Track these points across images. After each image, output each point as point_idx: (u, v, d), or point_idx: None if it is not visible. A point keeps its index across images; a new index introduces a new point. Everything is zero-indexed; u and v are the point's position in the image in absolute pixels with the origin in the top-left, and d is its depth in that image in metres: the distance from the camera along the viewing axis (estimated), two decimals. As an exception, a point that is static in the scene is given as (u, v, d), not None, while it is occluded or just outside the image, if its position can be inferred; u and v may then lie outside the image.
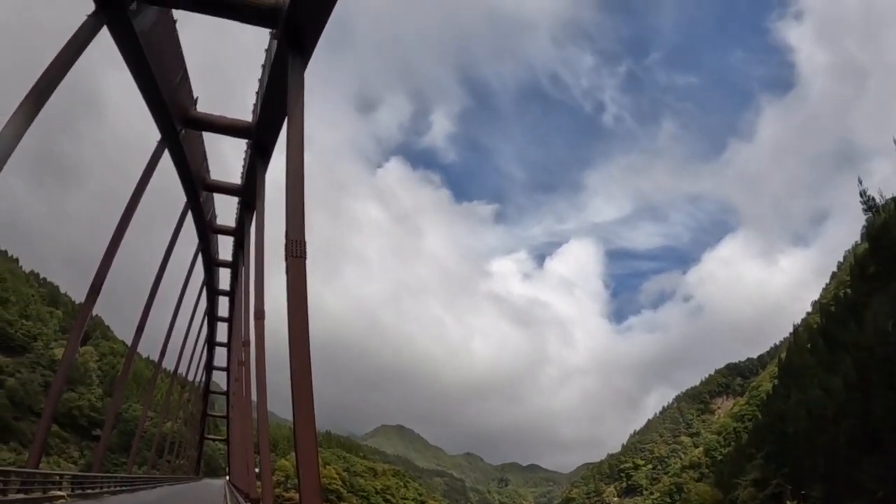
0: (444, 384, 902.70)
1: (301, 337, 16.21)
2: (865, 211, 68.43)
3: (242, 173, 42.26)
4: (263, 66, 29.34)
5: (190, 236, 52.17)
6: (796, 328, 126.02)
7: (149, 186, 34.38)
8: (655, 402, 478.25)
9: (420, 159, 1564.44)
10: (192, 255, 56.49)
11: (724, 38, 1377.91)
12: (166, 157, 35.57)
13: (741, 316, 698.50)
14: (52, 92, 20.08)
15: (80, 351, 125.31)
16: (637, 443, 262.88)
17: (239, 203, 47.07)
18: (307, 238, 17.51)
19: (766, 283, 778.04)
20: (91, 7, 21.82)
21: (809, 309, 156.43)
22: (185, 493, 53.14)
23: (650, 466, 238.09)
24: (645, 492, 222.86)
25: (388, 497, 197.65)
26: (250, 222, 41.68)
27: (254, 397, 34.98)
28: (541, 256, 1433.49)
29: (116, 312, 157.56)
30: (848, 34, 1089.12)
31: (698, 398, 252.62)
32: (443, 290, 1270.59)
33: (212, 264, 64.11)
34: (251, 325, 32.54)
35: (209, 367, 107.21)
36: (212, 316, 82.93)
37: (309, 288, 16.90)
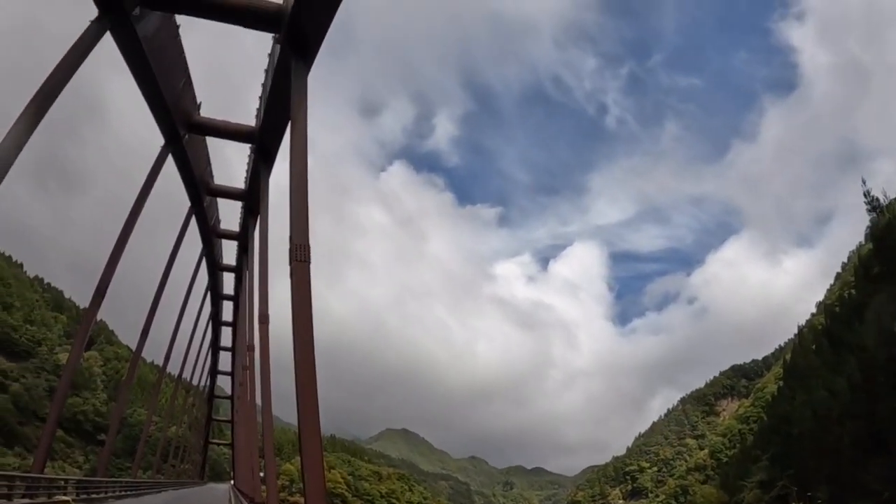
0: (448, 388, 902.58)
1: (306, 341, 16.19)
2: (869, 211, 68.52)
3: (246, 178, 42.32)
4: (266, 71, 29.37)
5: (194, 241, 52.28)
6: (801, 329, 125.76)
7: (153, 191, 34.42)
8: (660, 404, 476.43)
9: (423, 163, 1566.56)
10: (196, 259, 56.54)
11: (727, 39, 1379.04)
12: (170, 161, 35.62)
13: (745, 317, 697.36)
14: (55, 97, 20.09)
15: (85, 356, 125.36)
16: (642, 445, 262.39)
17: (242, 208, 47.11)
18: (311, 242, 17.53)
19: (771, 285, 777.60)
20: (94, 12, 21.88)
21: (814, 310, 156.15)
22: (189, 498, 53.07)
23: (655, 469, 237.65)
24: (650, 494, 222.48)
25: (393, 501, 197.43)
26: (254, 227, 41.75)
27: (258, 401, 35.00)
28: (544, 259, 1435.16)
29: (121, 317, 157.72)
30: (850, 34, 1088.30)
31: (703, 400, 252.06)
32: (447, 294, 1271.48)
33: (216, 269, 64.16)
34: (255, 330, 32.55)
35: (213, 371, 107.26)
36: (216, 320, 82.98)
37: (313, 292, 16.91)
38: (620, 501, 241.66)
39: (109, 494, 40.89)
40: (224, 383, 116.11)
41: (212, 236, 53.86)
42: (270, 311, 30.49)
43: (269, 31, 24.11)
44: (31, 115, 19.18)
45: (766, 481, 70.65)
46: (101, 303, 31.14)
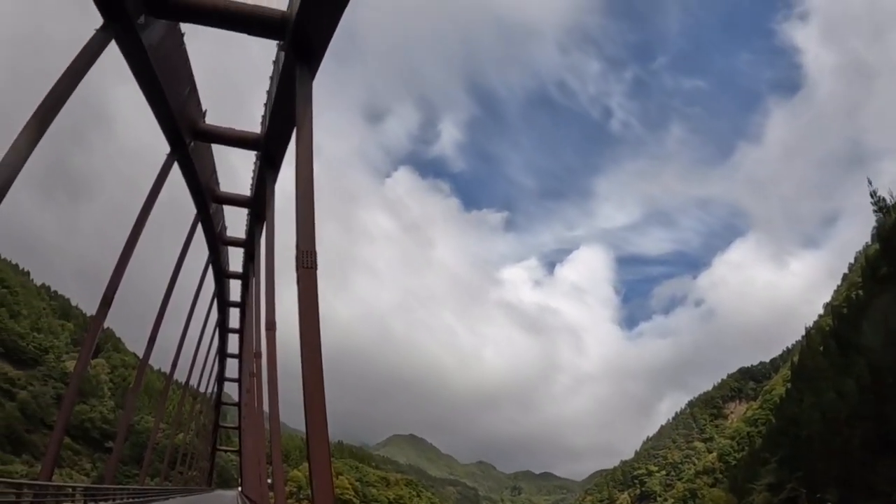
0: (455, 393, 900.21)
1: (313, 347, 16.21)
2: (876, 212, 68.21)
3: (252, 185, 42.42)
4: (271, 78, 29.41)
5: (200, 248, 52.37)
6: (808, 331, 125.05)
7: (159, 199, 34.50)
8: (668, 407, 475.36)
9: (429, 168, 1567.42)
10: (202, 267, 56.64)
11: (730, 40, 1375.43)
12: (176, 169, 35.70)
13: (753, 320, 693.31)
14: (62, 105, 20.18)
15: (92, 363, 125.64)
16: (650, 449, 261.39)
17: (249, 214, 47.24)
18: (317, 248, 17.54)
19: (778, 286, 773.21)
20: (100, 21, 21.99)
21: (821, 311, 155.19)
22: (197, 505, 53.09)
23: (664, 472, 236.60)
24: (659, 498, 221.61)
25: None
26: (260, 233, 41.81)
27: (265, 408, 35.02)
28: (551, 264, 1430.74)
29: (128, 325, 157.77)
30: (854, 34, 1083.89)
31: (711, 403, 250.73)
32: (453, 299, 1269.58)
33: (222, 276, 64.26)
34: (262, 336, 32.62)
35: (221, 378, 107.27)
36: (223, 327, 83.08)
37: (320, 298, 16.92)
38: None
39: (117, 501, 40.92)
40: (231, 390, 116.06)
41: (218, 243, 53.98)
42: (277, 318, 30.53)
43: (274, 39, 24.16)
44: (38, 123, 19.27)
45: (775, 484, 70.26)
46: (107, 311, 31.16)
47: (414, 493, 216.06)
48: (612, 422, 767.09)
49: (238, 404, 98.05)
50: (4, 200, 18.19)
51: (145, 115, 30.40)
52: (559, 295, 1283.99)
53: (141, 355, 50.56)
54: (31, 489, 25.69)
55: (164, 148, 33.93)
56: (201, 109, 34.48)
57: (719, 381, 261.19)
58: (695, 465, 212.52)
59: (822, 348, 78.46)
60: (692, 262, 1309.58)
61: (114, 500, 40.45)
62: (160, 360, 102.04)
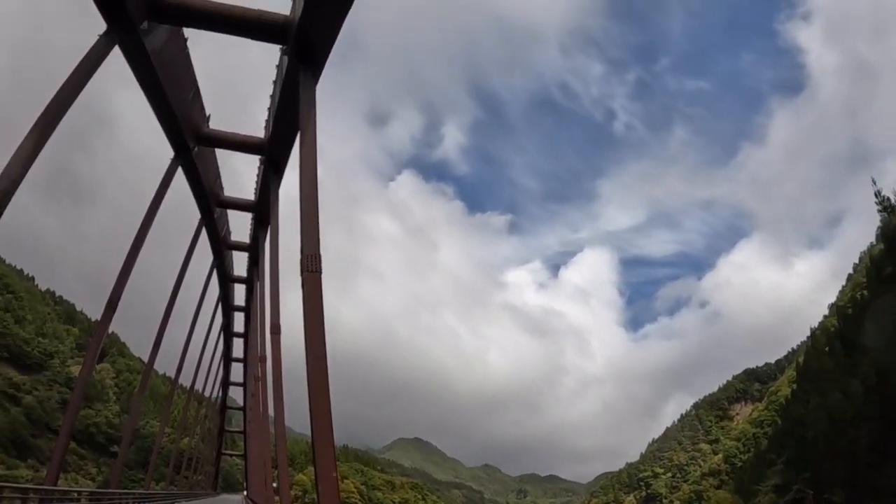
0: (460, 396, 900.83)
1: (318, 351, 16.18)
2: (880, 211, 68.09)
3: (256, 189, 42.44)
4: (275, 82, 29.42)
5: (205, 253, 52.39)
6: (813, 332, 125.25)
7: (163, 204, 34.52)
8: (673, 409, 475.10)
9: (432, 172, 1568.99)
10: (206, 271, 56.67)
11: (733, 41, 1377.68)
12: (180, 174, 35.74)
13: (758, 321, 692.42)
14: (65, 111, 20.18)
15: (97, 368, 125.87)
16: (656, 451, 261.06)
17: (253, 219, 47.24)
18: (322, 252, 17.53)
19: (783, 287, 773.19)
20: (103, 26, 22.03)
21: (826, 312, 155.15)
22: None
23: (669, 475, 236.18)
24: (665, 500, 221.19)
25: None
26: (264, 238, 41.81)
27: (271, 412, 35.00)
28: (555, 266, 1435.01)
29: (133, 330, 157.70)
30: (857, 33, 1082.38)
31: (717, 405, 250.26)
32: (457, 302, 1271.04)
33: (227, 280, 64.29)
34: (267, 341, 32.60)
35: (226, 382, 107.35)
36: (227, 332, 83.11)
37: (324, 302, 16.91)
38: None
39: (123, 506, 40.96)
40: (236, 394, 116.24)
41: (222, 248, 53.97)
42: (282, 322, 30.52)
43: (277, 43, 24.16)
44: (42, 129, 19.28)
45: (782, 485, 70.17)
46: (112, 315, 31.15)
47: (419, 496, 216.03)
48: (618, 424, 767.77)
49: (243, 408, 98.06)
50: (9, 206, 18.22)
51: (149, 119, 30.44)
52: (563, 297, 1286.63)
53: (146, 360, 50.63)
54: (36, 494, 25.71)
55: (168, 153, 33.97)
56: (205, 114, 34.49)
57: (724, 382, 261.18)
58: (700, 466, 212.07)
59: (827, 349, 78.37)
60: (696, 264, 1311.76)
61: (119, 504, 40.50)
62: (165, 364, 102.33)
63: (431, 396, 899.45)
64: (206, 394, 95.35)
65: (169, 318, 44.41)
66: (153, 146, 40.46)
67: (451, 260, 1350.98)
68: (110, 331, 46.65)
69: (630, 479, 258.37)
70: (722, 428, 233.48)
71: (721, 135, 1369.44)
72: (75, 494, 34.27)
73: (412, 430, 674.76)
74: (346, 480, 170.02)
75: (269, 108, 31.83)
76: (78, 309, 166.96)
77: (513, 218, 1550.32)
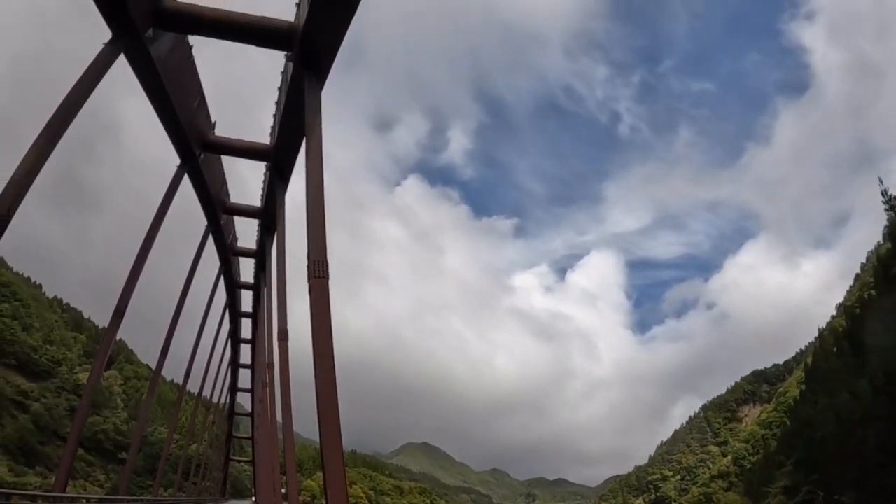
0: (468, 400, 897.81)
1: (326, 357, 16.21)
2: (887, 210, 67.65)
3: (262, 195, 42.54)
4: (280, 89, 29.54)
5: (211, 259, 52.51)
6: (821, 332, 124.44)
7: (169, 211, 34.63)
8: (682, 412, 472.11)
9: (438, 176, 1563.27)
10: (213, 278, 56.78)
11: (737, 42, 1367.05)
12: (186, 180, 35.84)
13: (765, 322, 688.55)
14: (72, 119, 20.35)
15: (105, 375, 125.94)
16: (664, 454, 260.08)
17: (259, 225, 47.37)
18: (328, 258, 17.54)
19: (790, 288, 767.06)
20: (108, 35, 22.13)
21: (834, 312, 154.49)
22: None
23: (678, 477, 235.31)
24: (674, 503, 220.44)
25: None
26: (271, 244, 41.93)
27: (279, 418, 35.04)
28: (562, 269, 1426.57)
29: (140, 336, 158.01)
30: (861, 33, 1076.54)
31: (725, 406, 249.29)
32: (464, 306, 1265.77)
33: (234, 287, 64.38)
34: (275, 347, 32.62)
35: (233, 389, 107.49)
36: (235, 338, 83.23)
37: (332, 308, 16.92)
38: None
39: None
40: (244, 400, 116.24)
41: (229, 254, 54.13)
42: (289, 328, 30.55)
43: (282, 50, 24.27)
44: (48, 136, 19.44)
45: (791, 487, 69.87)
46: (120, 322, 31.30)
47: (428, 501, 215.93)
48: (626, 427, 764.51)
49: (251, 414, 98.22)
50: (17, 213, 18.32)
51: (155, 127, 30.59)
52: (571, 301, 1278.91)
53: (154, 367, 50.73)
54: (45, 501, 25.80)
55: (174, 160, 34.10)
56: (210, 121, 34.63)
57: (733, 384, 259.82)
58: (709, 469, 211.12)
59: (835, 349, 78.01)
60: (703, 266, 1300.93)
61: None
62: (173, 371, 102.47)
63: (439, 401, 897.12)
64: (214, 400, 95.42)
65: (176, 325, 44.53)
66: (159, 153, 40.79)
67: (457, 264, 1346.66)
68: (118, 338, 46.78)
69: (639, 482, 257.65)
70: (730, 430, 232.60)
71: (726, 136, 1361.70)
72: (84, 501, 34.37)
73: (420, 435, 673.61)
74: (354, 486, 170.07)
75: (275, 115, 31.96)
76: (85, 316, 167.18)
77: (519, 221, 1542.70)
